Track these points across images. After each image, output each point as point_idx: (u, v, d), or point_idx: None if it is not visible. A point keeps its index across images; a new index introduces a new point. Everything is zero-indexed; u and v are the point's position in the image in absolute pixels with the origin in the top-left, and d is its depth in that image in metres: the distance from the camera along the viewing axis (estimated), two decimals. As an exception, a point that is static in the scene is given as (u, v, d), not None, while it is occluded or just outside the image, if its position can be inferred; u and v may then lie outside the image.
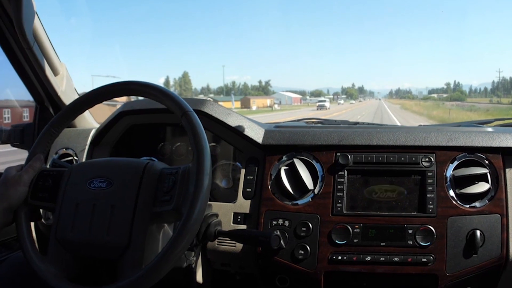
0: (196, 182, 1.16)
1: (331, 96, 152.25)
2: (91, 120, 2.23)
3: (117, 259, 1.21)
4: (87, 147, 1.95)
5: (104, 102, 1.45)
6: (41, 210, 1.55)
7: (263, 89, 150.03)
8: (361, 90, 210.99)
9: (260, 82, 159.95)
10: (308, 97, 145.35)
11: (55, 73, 2.02)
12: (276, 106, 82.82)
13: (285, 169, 1.69)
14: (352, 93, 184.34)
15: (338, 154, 1.66)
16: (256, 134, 1.75)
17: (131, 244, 1.20)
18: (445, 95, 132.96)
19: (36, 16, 1.79)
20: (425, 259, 1.51)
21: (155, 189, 1.25)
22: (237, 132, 1.75)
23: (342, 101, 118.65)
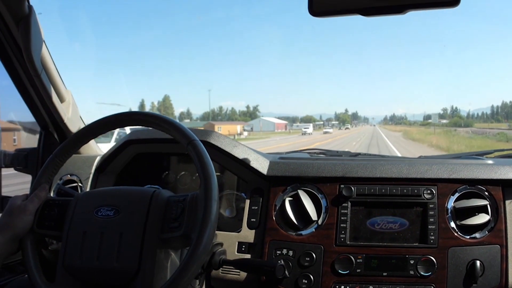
0: (205, 208, 1.18)
1: (321, 122, 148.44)
2: (96, 147, 2.25)
3: (127, 285, 1.23)
4: (91, 174, 1.97)
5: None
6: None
7: (251, 115, 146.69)
8: (355, 116, 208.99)
9: (248, 107, 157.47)
10: (298, 123, 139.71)
11: (61, 100, 2.03)
12: (245, 133, 76.09)
13: (289, 200, 1.73)
14: (345, 119, 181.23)
15: (342, 186, 1.69)
16: (261, 165, 1.79)
17: (141, 270, 1.22)
18: (443, 121, 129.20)
19: (43, 44, 1.82)
20: None
21: (163, 216, 1.27)
22: (243, 163, 1.78)
23: (310, 130, 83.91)
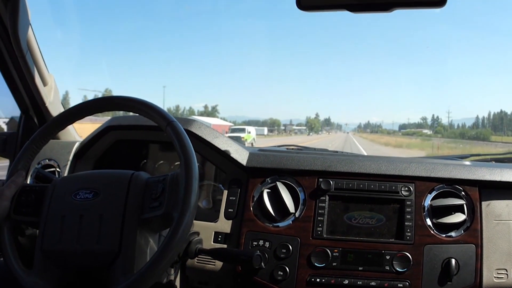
0: (186, 186, 1.18)
1: (282, 127, 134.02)
2: (74, 133, 2.24)
3: (108, 267, 1.22)
4: (69, 161, 1.95)
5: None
6: None
7: (208, 115, 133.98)
8: (327, 122, 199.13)
9: (206, 107, 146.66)
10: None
11: (44, 83, 2.02)
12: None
13: (267, 192, 1.73)
14: (314, 124, 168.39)
15: (320, 179, 1.71)
16: (240, 156, 1.79)
17: (122, 252, 1.21)
18: (425, 131, 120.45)
19: (30, 25, 1.81)
20: (401, 285, 1.56)
21: (143, 197, 1.27)
22: (223, 154, 1.78)
23: None
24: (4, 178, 1.43)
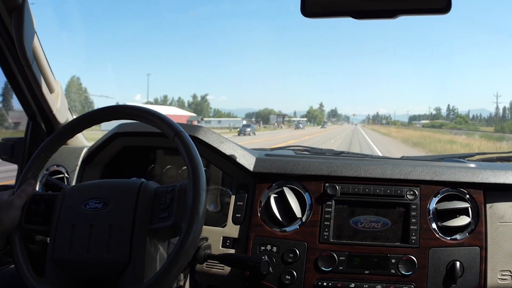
0: (193, 197, 1.21)
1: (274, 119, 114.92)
2: (82, 139, 2.25)
3: (118, 276, 1.24)
4: (78, 166, 1.97)
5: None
6: None
7: (196, 106, 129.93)
8: (334, 113, 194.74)
9: (194, 96, 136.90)
10: (220, 119, 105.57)
11: (51, 90, 2.03)
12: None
13: (274, 197, 1.75)
14: (317, 115, 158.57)
15: (327, 184, 1.72)
16: (247, 161, 1.81)
17: (132, 261, 1.23)
18: (443, 122, 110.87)
19: (35, 34, 1.82)
20: None
21: (152, 207, 1.29)
22: (230, 159, 1.80)
23: None
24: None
